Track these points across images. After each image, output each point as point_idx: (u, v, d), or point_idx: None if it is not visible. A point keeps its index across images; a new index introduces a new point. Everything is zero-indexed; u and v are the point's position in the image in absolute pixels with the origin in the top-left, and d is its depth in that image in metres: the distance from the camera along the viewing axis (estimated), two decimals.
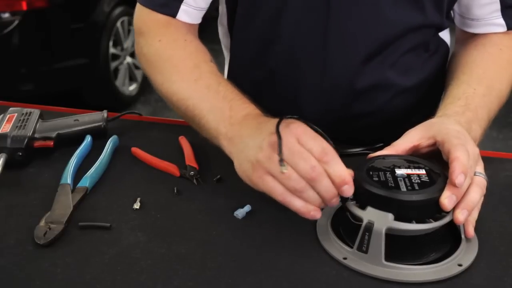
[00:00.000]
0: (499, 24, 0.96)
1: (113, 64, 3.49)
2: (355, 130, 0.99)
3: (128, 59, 3.68)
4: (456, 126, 0.75)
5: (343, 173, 0.67)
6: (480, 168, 0.72)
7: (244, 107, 0.80)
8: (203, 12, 0.96)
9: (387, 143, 0.77)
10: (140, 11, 0.97)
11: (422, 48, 0.98)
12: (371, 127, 1.01)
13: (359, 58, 0.93)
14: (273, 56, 0.97)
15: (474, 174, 0.70)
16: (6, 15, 2.92)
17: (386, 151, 0.75)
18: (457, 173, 0.66)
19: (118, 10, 3.42)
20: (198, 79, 0.85)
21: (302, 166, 0.66)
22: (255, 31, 0.97)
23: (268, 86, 1.01)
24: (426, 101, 1.03)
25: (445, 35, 1.03)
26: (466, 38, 1.01)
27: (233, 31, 1.02)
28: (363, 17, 0.90)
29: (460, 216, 0.67)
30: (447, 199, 0.66)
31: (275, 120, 0.70)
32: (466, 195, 0.68)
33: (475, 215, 0.71)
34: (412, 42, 0.96)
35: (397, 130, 0.82)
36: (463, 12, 0.99)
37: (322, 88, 0.96)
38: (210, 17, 0.94)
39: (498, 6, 0.95)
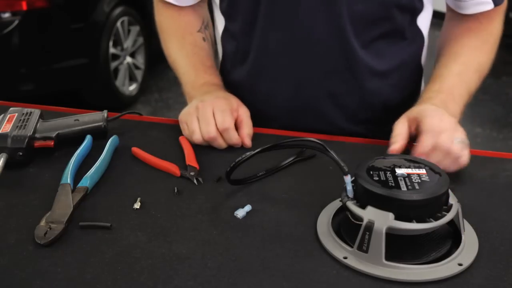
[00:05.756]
0: (487, 2, 0.99)
1: (113, 64, 3.49)
2: (328, 110, 1.05)
3: (128, 59, 3.68)
4: (431, 106, 0.88)
5: (235, 140, 0.93)
6: (459, 134, 0.83)
7: (204, 77, 1.06)
8: None
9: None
10: None
11: (398, 36, 1.00)
12: (345, 108, 1.03)
13: (344, 33, 0.96)
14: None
15: (454, 142, 0.80)
16: (6, 15, 2.92)
17: (396, 146, 0.83)
18: (417, 155, 0.79)
19: (118, 10, 3.42)
20: (181, 49, 1.11)
21: (204, 128, 0.92)
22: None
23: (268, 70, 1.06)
24: (398, 88, 1.05)
25: (423, 24, 1.03)
26: (455, 23, 1.03)
27: (257, 20, 1.01)
28: None
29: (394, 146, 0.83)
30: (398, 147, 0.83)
31: (220, 93, 1.00)
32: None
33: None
34: (385, 27, 0.98)
35: (370, 114, 0.99)
36: None
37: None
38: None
39: None
